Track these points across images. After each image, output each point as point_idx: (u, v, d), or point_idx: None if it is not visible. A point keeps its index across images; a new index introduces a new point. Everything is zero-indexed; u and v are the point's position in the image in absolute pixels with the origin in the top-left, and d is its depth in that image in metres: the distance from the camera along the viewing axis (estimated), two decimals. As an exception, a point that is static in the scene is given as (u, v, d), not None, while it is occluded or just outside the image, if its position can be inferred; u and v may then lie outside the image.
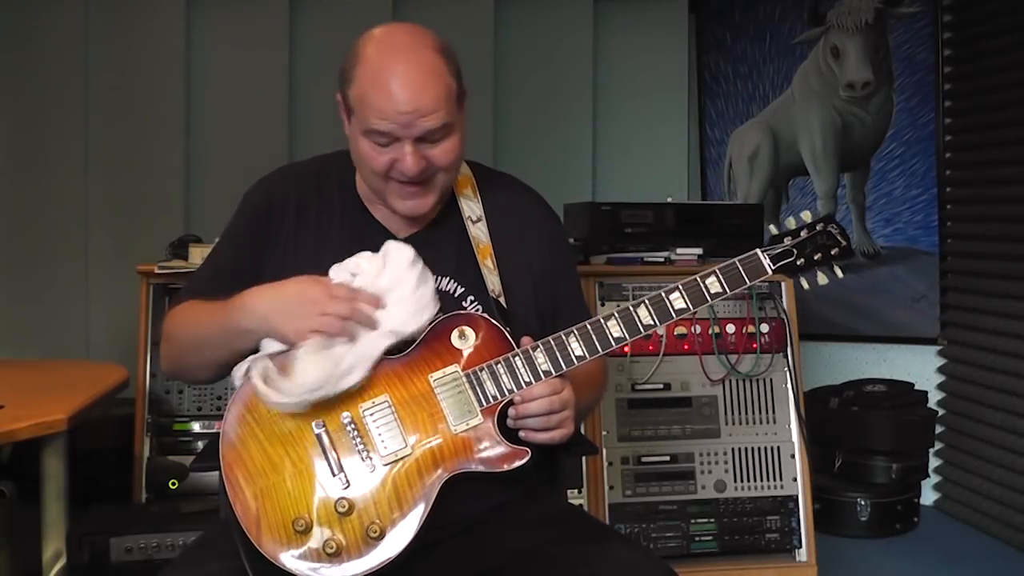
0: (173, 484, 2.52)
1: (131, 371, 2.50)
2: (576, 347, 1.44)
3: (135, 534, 2.20)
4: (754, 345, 2.81)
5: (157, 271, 2.62)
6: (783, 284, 2.85)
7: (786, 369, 2.83)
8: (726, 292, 1.49)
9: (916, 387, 3.57)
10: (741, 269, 1.50)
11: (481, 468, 1.40)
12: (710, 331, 2.79)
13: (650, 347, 2.77)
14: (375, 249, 1.51)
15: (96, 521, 2.26)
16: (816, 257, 1.56)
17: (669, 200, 3.09)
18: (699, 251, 2.89)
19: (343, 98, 1.53)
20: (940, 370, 3.62)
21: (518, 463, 1.40)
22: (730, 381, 2.81)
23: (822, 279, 1.61)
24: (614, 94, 3.95)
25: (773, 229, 1.59)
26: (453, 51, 1.51)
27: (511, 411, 1.42)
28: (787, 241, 1.55)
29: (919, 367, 3.66)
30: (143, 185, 3.43)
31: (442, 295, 1.52)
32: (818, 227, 1.56)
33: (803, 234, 1.56)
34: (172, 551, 2.17)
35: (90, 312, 3.38)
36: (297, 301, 1.39)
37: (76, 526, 2.16)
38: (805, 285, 1.62)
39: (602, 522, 1.62)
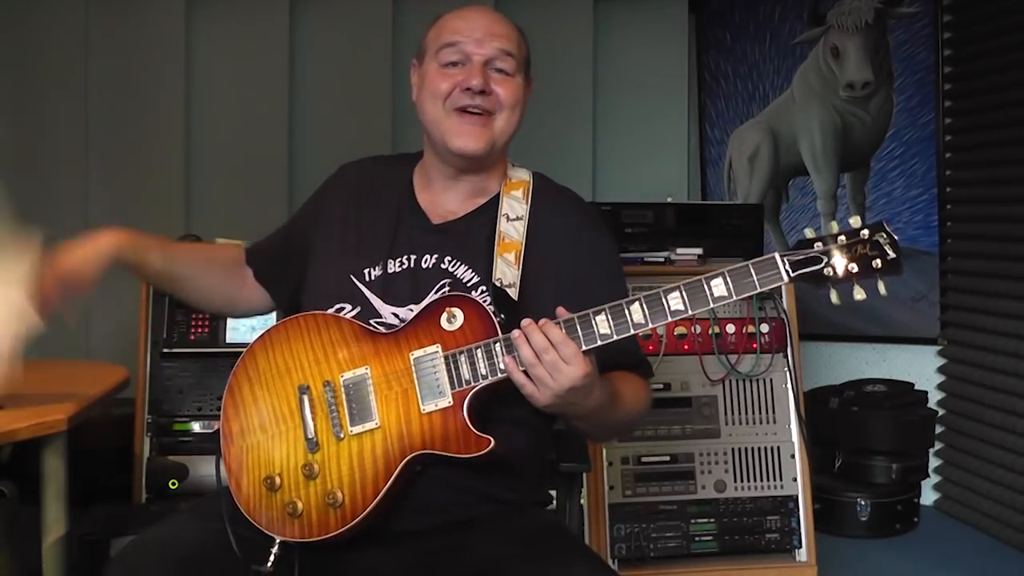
0: (173, 484, 2.52)
1: (131, 371, 2.49)
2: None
3: (135, 534, 2.19)
4: (754, 345, 2.80)
5: (157, 271, 2.62)
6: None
7: (786, 369, 2.83)
8: (732, 297, 1.34)
9: (916, 387, 3.57)
10: (753, 273, 1.33)
11: (443, 451, 1.40)
12: (710, 331, 2.79)
13: (650, 347, 2.77)
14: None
15: (96, 521, 2.26)
16: (851, 268, 1.31)
17: (669, 200, 3.09)
18: (699, 251, 2.89)
19: (418, 59, 1.62)
20: (940, 370, 3.62)
21: (480, 452, 1.39)
22: (730, 381, 2.81)
23: (859, 294, 1.32)
24: (614, 94, 3.95)
25: (809, 232, 1.35)
26: (527, 42, 1.66)
27: (523, 322, 1.37)
28: (817, 247, 1.33)
29: (919, 367, 3.66)
30: (143, 185, 3.43)
31: (455, 281, 1.54)
32: (862, 234, 1.32)
33: (841, 240, 1.32)
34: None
35: (90, 312, 3.38)
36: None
37: (76, 526, 2.15)
38: (835, 300, 1.34)
39: (578, 541, 1.59)
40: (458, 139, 1.54)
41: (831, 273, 1.33)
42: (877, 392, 3.49)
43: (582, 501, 2.67)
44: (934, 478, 3.62)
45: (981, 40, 3.42)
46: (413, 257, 1.56)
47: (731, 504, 2.77)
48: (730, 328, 2.80)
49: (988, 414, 3.32)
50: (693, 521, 2.75)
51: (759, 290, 1.34)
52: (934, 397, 3.60)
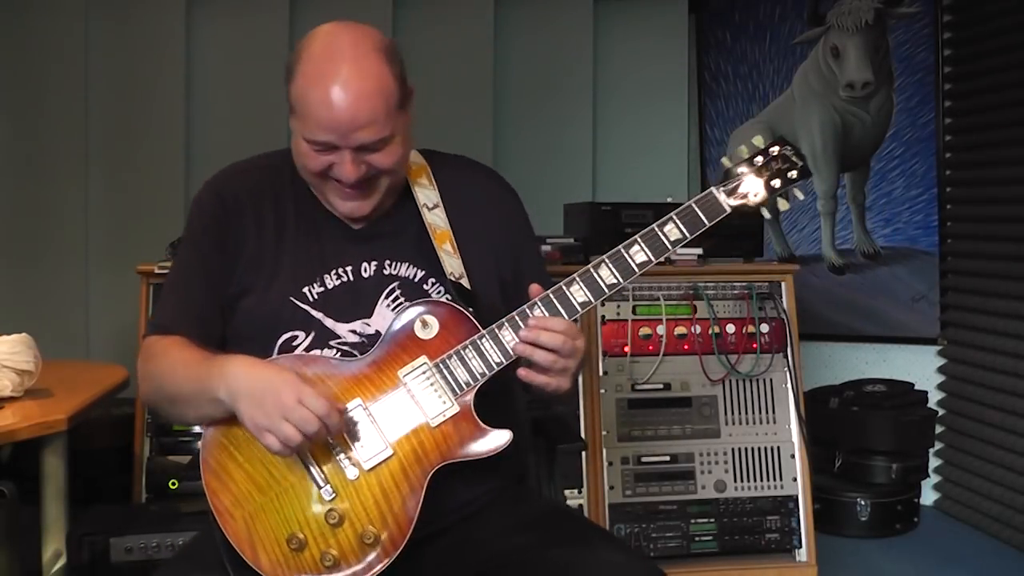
0: (173, 484, 2.52)
1: (131, 371, 2.49)
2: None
3: (135, 534, 2.20)
4: (754, 345, 2.80)
5: (157, 271, 2.62)
6: (783, 283, 2.85)
7: (786, 369, 2.82)
8: (686, 237, 1.45)
9: (916, 387, 3.57)
10: (698, 210, 1.46)
11: (465, 455, 1.39)
12: (710, 331, 2.79)
13: (650, 347, 2.77)
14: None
15: (96, 521, 2.25)
16: (774, 184, 1.48)
17: (669, 200, 3.08)
18: (699, 251, 2.89)
19: (287, 93, 1.50)
20: (940, 370, 3.62)
21: (500, 445, 1.39)
22: (730, 381, 2.81)
23: (783, 205, 1.51)
24: (614, 94, 3.94)
25: (726, 162, 1.50)
26: (397, 50, 1.47)
27: (522, 333, 1.38)
28: (742, 170, 1.48)
29: (919, 367, 3.65)
30: (143, 185, 3.43)
31: (403, 281, 1.52)
32: (772, 151, 1.48)
33: (757, 161, 1.47)
34: (172, 551, 2.17)
35: (90, 312, 3.38)
36: (266, 396, 1.31)
37: (76, 526, 2.15)
38: (766, 215, 1.54)
39: (590, 521, 1.60)
40: (343, 207, 1.49)
41: (761, 193, 1.48)
42: (877, 392, 3.49)
43: (582, 501, 2.67)
44: (934, 478, 3.61)
45: (981, 40, 3.42)
46: (350, 268, 1.51)
47: (731, 504, 2.77)
48: (730, 328, 2.80)
49: (988, 414, 3.32)
50: (693, 521, 2.75)
51: (708, 225, 1.46)
52: (934, 397, 3.60)
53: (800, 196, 1.52)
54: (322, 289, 1.50)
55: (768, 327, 2.81)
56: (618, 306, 2.76)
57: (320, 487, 1.37)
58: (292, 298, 1.48)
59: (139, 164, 3.43)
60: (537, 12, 3.85)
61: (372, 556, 1.35)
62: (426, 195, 1.56)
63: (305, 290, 1.49)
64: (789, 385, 2.82)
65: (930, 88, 3.57)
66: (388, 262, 1.52)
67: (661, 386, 2.79)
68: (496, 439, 1.39)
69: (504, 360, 1.40)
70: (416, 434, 1.39)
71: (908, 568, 3.09)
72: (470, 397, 1.40)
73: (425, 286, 1.52)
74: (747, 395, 2.82)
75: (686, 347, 2.79)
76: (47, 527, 2.05)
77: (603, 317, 2.74)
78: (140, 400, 1.54)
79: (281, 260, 1.51)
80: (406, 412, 1.40)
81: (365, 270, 1.52)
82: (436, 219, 1.54)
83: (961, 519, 3.47)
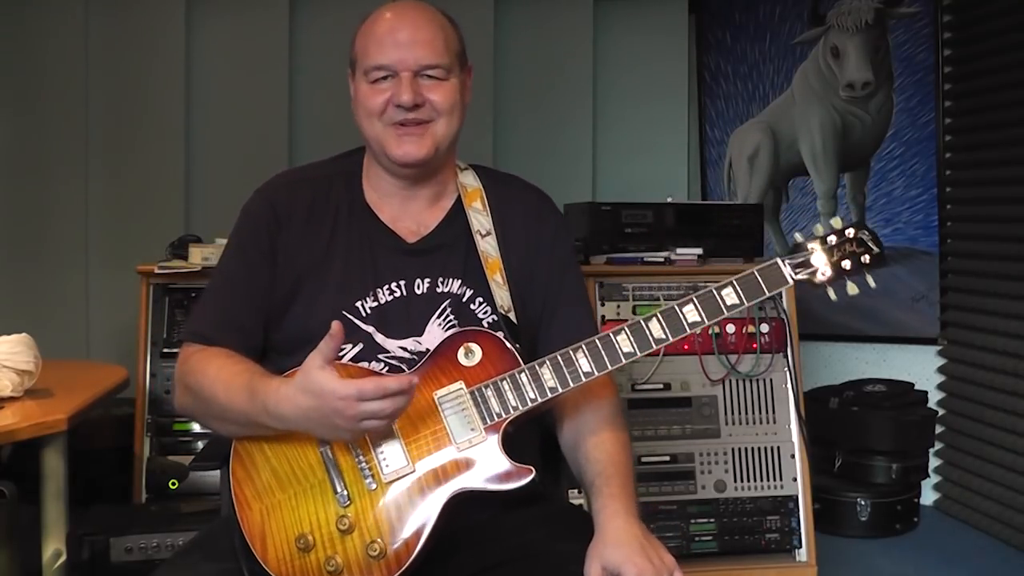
0: (173, 484, 2.52)
1: (131, 371, 2.50)
2: (584, 363, 1.40)
3: (135, 534, 2.20)
4: (754, 345, 2.80)
5: (157, 271, 2.62)
6: (783, 284, 2.84)
7: (786, 369, 2.82)
8: (743, 304, 1.42)
9: (916, 387, 3.57)
10: (760, 279, 1.42)
11: (485, 487, 1.38)
12: (710, 331, 2.79)
13: (650, 347, 2.77)
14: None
15: (96, 521, 2.25)
16: (844, 265, 1.42)
17: (669, 200, 3.09)
18: (699, 251, 2.89)
19: (351, 68, 1.54)
20: (940, 370, 3.62)
21: (522, 482, 1.38)
22: (730, 381, 2.81)
23: (852, 289, 1.43)
24: (614, 94, 3.95)
25: (798, 236, 1.47)
26: (459, 28, 1.54)
27: None
28: (812, 247, 1.43)
29: (919, 367, 3.65)
30: (143, 185, 3.43)
31: (454, 299, 1.51)
32: (847, 233, 1.43)
33: (831, 240, 1.42)
34: (172, 551, 2.17)
35: (90, 312, 3.38)
36: (333, 418, 1.28)
37: (76, 526, 2.15)
38: (832, 297, 1.45)
39: None
40: (399, 149, 1.48)
41: (828, 273, 1.43)
42: (877, 392, 3.49)
43: (581, 501, 2.67)
44: (934, 478, 3.61)
45: (981, 40, 3.42)
46: (403, 283, 1.51)
47: (731, 504, 2.77)
48: (730, 328, 2.80)
49: (988, 414, 3.32)
50: (693, 521, 2.74)
51: (767, 295, 1.43)
52: (934, 397, 3.60)
53: (872, 284, 1.44)
54: (375, 304, 1.50)
55: (768, 327, 2.81)
56: (618, 306, 2.77)
57: (336, 492, 1.37)
58: (345, 312, 1.48)
59: (139, 164, 3.43)
60: (537, 12, 3.85)
61: (376, 569, 1.34)
62: (479, 221, 1.56)
63: (358, 304, 1.49)
64: (789, 385, 2.82)
65: (930, 88, 3.57)
66: (440, 279, 1.52)
67: (661, 386, 2.78)
68: (519, 475, 1.38)
69: (539, 398, 1.40)
70: (440, 456, 1.38)
71: (908, 568, 3.09)
72: (500, 429, 1.39)
73: (472, 306, 1.52)
74: (747, 395, 2.81)
75: (686, 347, 2.79)
76: (47, 527, 2.04)
77: (603, 317, 2.74)
78: (176, 408, 1.54)
79: (332, 273, 1.51)
80: (434, 433, 1.39)
81: (418, 287, 1.52)
82: (488, 247, 1.54)
83: (961, 519, 3.47)
